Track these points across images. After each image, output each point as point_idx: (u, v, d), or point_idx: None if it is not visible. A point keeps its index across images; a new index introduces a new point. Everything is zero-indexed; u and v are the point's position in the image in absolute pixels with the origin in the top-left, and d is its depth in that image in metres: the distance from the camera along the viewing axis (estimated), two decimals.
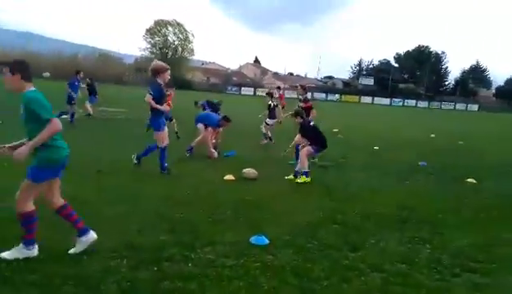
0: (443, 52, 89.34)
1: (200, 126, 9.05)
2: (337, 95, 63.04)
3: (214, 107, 11.07)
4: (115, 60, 69.15)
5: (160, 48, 70.18)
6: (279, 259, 3.89)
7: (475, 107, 69.79)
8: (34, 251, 3.48)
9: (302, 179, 7.14)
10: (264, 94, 16.32)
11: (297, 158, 8.03)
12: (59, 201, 3.63)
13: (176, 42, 70.53)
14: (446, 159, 10.63)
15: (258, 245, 4.16)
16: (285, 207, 5.60)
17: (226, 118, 9.25)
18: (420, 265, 3.97)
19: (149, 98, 6.55)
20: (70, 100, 12.89)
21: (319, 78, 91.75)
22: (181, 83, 59.44)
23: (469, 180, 8.16)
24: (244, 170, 7.16)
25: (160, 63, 7.06)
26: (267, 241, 4.22)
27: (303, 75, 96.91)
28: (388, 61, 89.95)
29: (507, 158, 11.63)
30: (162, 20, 69.43)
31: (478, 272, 3.87)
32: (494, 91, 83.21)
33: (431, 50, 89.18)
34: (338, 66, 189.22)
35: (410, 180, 8.01)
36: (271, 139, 11.60)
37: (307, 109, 8.77)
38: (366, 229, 4.92)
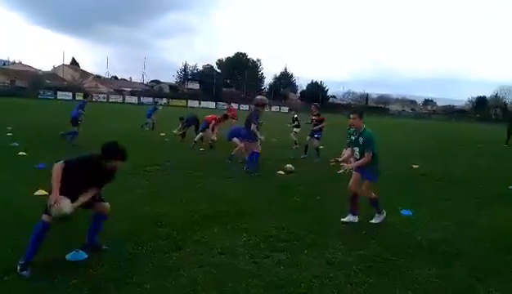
0: (259, 60, 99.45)
1: (235, 139, 10.85)
2: (164, 100, 62.64)
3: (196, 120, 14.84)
4: None
5: None
6: (100, 270, 3.74)
7: (286, 109, 79.91)
8: (383, 214, 5.78)
9: None
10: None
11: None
12: (359, 191, 5.68)
13: None
14: (264, 156, 11.87)
15: (75, 261, 3.89)
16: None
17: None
18: (238, 252, 4.40)
19: (254, 127, 9.22)
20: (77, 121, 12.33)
21: (145, 82, 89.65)
22: None
23: (279, 172, 9.39)
24: None
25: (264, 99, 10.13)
26: (85, 255, 3.98)
27: (127, 79, 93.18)
28: (212, 67, 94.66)
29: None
30: None
31: (283, 250, 4.53)
32: (299, 94, 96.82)
33: (249, 57, 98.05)
34: (164, 70, 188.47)
35: (234, 177, 8.71)
36: (296, 143, 14.43)
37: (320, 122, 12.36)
38: (190, 227, 5.14)
